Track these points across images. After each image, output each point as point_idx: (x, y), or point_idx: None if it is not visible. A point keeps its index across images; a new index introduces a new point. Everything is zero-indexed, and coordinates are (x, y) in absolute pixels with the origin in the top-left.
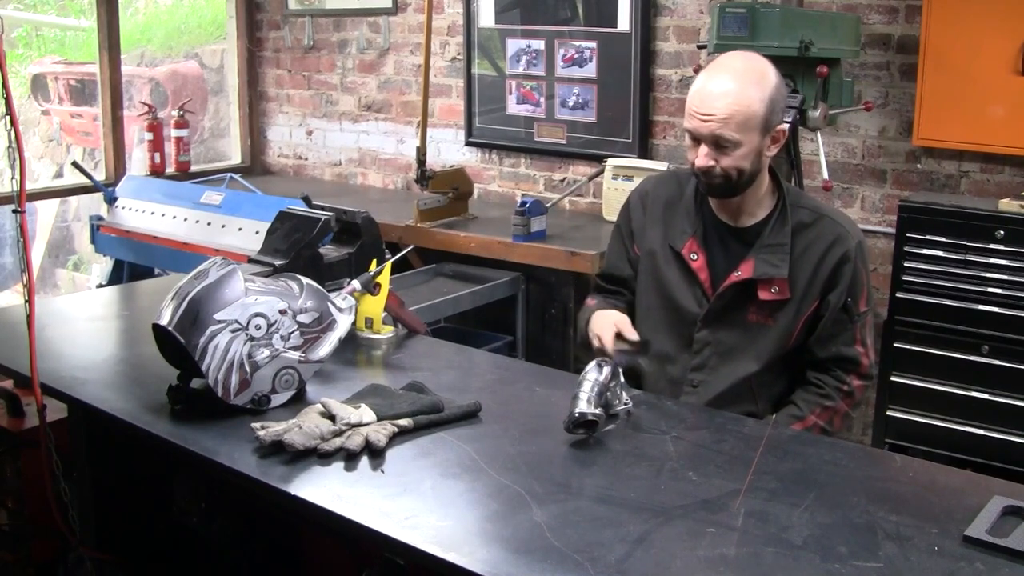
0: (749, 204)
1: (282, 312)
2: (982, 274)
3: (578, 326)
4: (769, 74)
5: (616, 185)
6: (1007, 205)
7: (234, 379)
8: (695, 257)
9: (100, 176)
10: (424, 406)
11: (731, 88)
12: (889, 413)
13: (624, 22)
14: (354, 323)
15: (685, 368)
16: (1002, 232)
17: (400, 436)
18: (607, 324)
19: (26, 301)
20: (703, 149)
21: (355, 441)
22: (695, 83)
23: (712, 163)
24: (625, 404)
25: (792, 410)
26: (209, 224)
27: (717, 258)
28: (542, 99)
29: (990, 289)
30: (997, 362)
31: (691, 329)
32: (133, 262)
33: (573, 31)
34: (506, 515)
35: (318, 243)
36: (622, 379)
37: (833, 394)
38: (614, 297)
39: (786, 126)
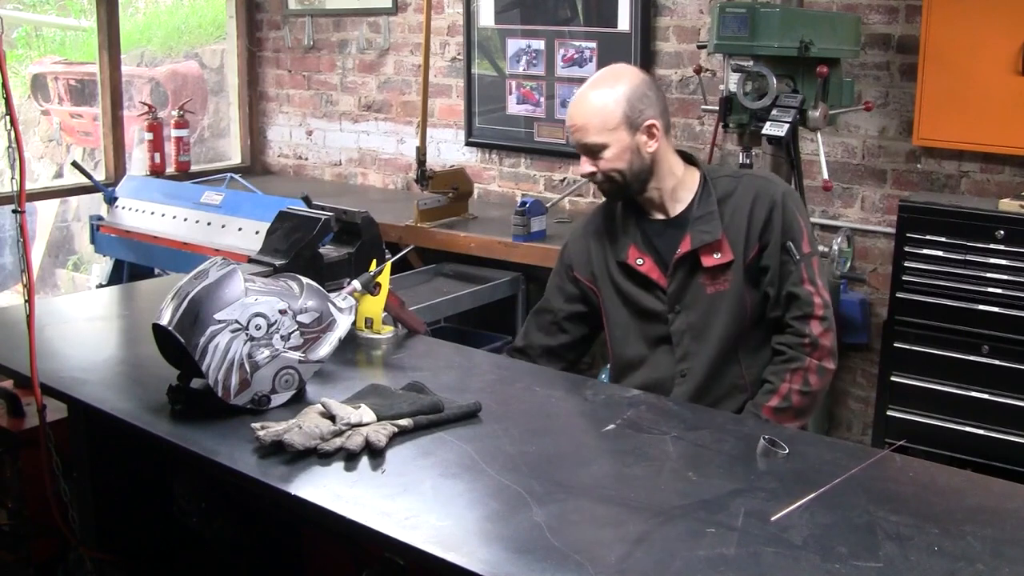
0: (668, 195)
1: (282, 312)
2: (982, 274)
3: None
4: (623, 76)
5: None
6: (1007, 205)
7: (234, 379)
8: (641, 262)
9: (100, 176)
10: (424, 406)
11: (585, 98)
12: (889, 413)
13: (624, 22)
14: (354, 323)
15: (672, 365)
16: (1002, 232)
17: (400, 436)
18: None
19: (26, 301)
20: (582, 159)
21: (355, 441)
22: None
23: (592, 169)
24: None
25: (766, 387)
26: (209, 224)
27: (662, 253)
28: (542, 99)
29: (990, 289)
30: (997, 362)
31: (665, 328)
32: (133, 262)
33: (573, 31)
34: (506, 515)
35: (318, 243)
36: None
37: (796, 354)
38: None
39: (654, 121)
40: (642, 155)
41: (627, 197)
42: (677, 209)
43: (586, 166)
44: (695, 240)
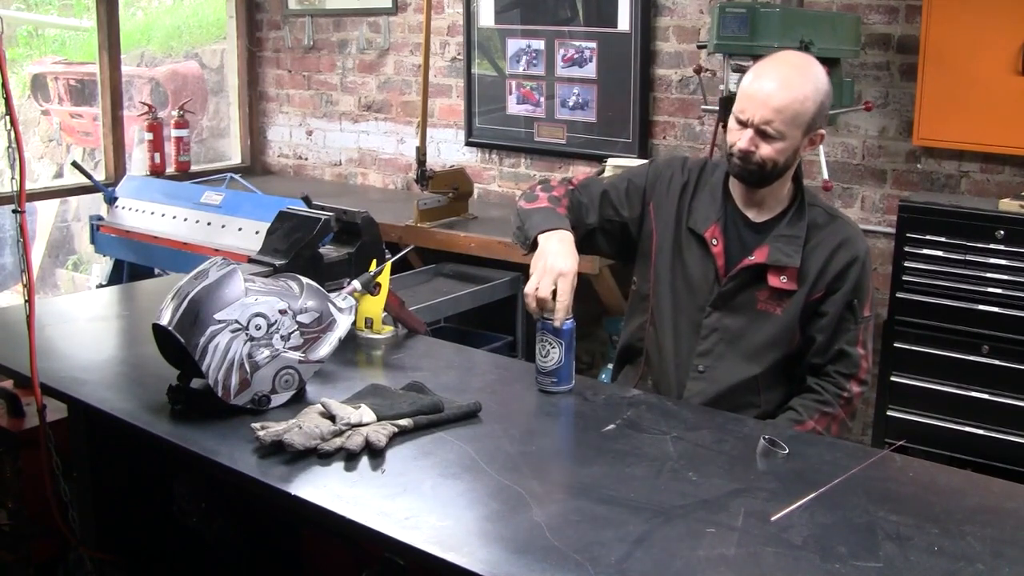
0: (771, 199)
1: (282, 312)
2: (982, 274)
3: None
4: (823, 77)
5: None
6: (1007, 205)
7: (234, 379)
8: (715, 242)
9: (100, 176)
10: (424, 406)
11: (789, 82)
12: (889, 413)
13: (624, 22)
14: (354, 323)
15: (691, 352)
16: (1002, 232)
17: (400, 436)
18: (551, 275)
19: (26, 301)
20: (748, 133)
21: (355, 441)
22: (751, 71)
23: (753, 148)
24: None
25: (791, 415)
26: (209, 224)
27: (733, 247)
28: (542, 99)
29: (990, 289)
30: (997, 362)
31: (700, 315)
32: (133, 262)
33: (573, 31)
34: (506, 515)
35: (318, 243)
36: None
37: (832, 400)
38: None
39: (824, 131)
40: (795, 157)
41: (754, 185)
42: (765, 216)
43: (749, 143)
44: (772, 256)
